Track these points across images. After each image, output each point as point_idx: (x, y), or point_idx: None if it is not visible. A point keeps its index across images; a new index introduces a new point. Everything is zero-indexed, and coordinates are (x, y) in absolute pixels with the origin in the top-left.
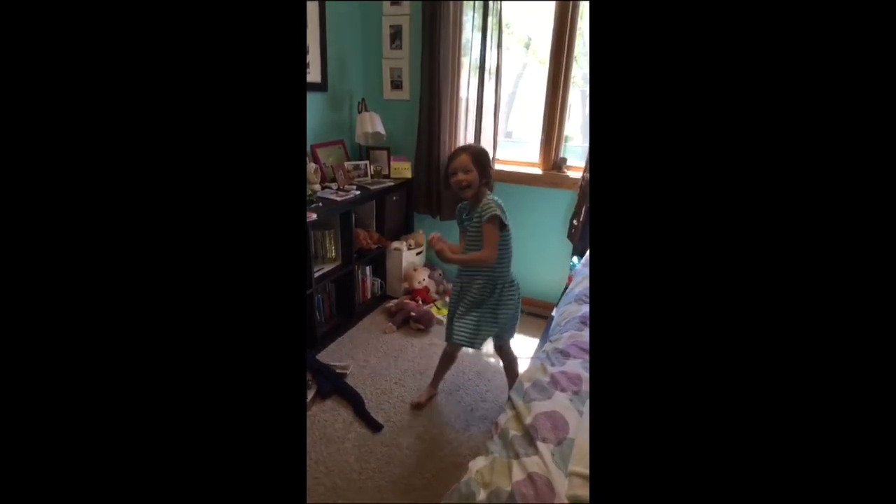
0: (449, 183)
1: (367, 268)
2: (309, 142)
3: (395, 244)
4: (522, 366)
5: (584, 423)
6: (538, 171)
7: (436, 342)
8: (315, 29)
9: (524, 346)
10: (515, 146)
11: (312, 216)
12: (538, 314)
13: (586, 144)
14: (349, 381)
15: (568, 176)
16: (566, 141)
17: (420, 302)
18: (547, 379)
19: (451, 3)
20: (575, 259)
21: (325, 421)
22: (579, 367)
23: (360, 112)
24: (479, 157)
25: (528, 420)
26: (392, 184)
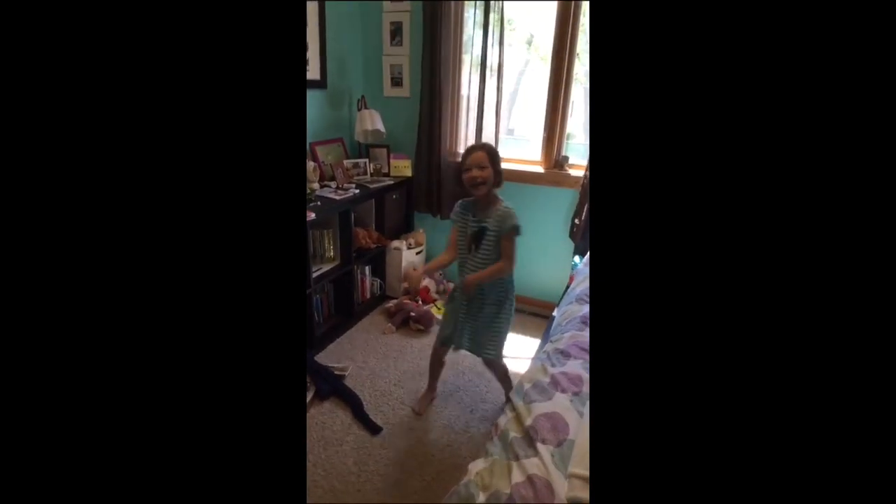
0: (460, 179)
1: (367, 267)
2: (308, 139)
3: (395, 243)
4: (523, 366)
5: (585, 425)
6: (540, 169)
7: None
8: (315, 26)
9: (524, 347)
10: (517, 144)
11: (311, 215)
12: (539, 314)
13: (588, 142)
14: (348, 382)
15: (570, 174)
16: (568, 139)
17: (420, 302)
18: (547, 380)
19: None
20: (576, 258)
21: (324, 423)
22: (580, 367)
23: (359, 109)
24: (494, 156)
25: (528, 421)
26: (392, 182)
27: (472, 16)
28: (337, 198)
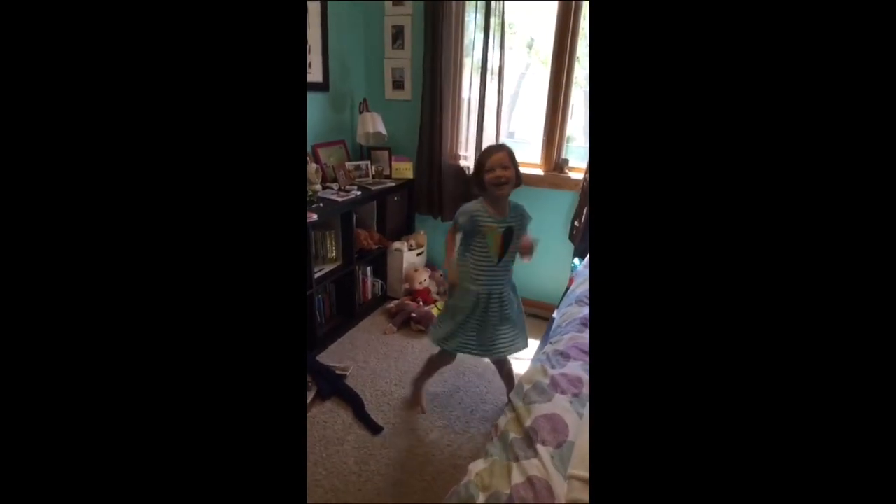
0: (481, 179)
1: (368, 268)
2: (310, 142)
3: (396, 245)
4: (523, 367)
5: (584, 426)
6: (540, 171)
7: None
8: (316, 28)
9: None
10: (517, 147)
11: (313, 216)
12: (539, 315)
13: (588, 145)
14: (349, 382)
15: (570, 177)
16: (568, 141)
17: (421, 303)
18: (547, 381)
19: (454, 3)
20: (576, 260)
21: (325, 422)
22: (580, 369)
23: (361, 112)
24: (514, 156)
25: (527, 422)
26: (393, 184)
27: (473, 19)
28: (339, 199)
